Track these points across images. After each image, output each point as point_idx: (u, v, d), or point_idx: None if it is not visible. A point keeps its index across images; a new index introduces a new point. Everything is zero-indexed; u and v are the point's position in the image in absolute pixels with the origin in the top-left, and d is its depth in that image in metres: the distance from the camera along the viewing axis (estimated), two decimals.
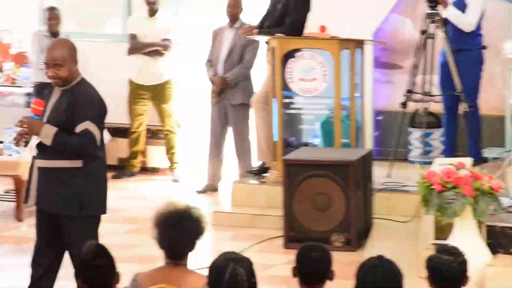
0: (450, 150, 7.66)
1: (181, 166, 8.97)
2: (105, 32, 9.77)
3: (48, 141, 4.58)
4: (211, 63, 8.37)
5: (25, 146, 4.70)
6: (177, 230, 3.64)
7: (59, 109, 4.66)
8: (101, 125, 4.70)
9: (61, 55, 4.67)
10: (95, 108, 4.69)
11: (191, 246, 3.69)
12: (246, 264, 3.25)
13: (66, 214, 4.64)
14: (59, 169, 4.63)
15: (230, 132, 8.38)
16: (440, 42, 7.49)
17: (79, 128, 4.59)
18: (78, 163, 4.63)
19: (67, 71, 4.67)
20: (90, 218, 4.71)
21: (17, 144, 4.70)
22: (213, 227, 6.01)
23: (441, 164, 5.64)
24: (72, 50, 4.75)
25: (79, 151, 4.62)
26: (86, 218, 4.67)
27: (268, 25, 7.79)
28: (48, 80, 9.78)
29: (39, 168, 4.70)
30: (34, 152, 4.71)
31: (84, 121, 4.59)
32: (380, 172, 7.45)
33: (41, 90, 8.75)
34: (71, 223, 4.64)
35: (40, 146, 4.66)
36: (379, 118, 8.56)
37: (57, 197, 4.63)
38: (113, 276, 3.43)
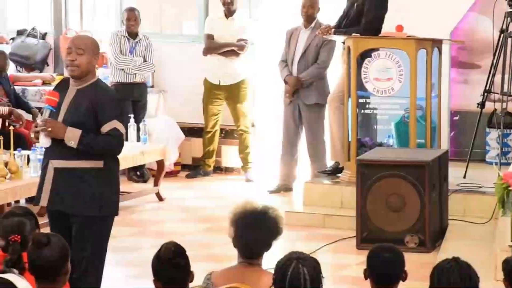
0: None
1: (254, 166, 9.00)
2: (182, 33, 9.87)
3: (74, 144, 4.49)
4: (285, 63, 8.38)
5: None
6: (254, 230, 3.65)
7: (77, 110, 4.56)
8: (123, 121, 4.65)
9: (86, 43, 4.63)
10: (118, 107, 4.68)
11: (267, 246, 3.70)
12: (310, 264, 3.24)
13: (85, 214, 4.57)
14: (78, 170, 4.55)
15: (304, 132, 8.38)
16: None
17: (106, 128, 4.53)
18: (100, 164, 4.57)
19: (87, 60, 4.58)
20: (108, 218, 4.70)
21: (35, 140, 4.61)
22: (285, 227, 6.01)
23: None
24: (96, 46, 4.72)
25: (108, 151, 4.58)
26: (104, 218, 4.66)
27: (345, 25, 7.76)
28: (128, 80, 9.93)
29: (56, 169, 4.59)
30: (47, 144, 4.57)
31: (110, 121, 4.53)
32: (456, 173, 7.36)
33: (119, 90, 8.96)
34: (89, 223, 4.58)
35: (55, 146, 4.57)
36: (456, 118, 8.45)
37: (76, 197, 4.55)
38: (188, 275, 3.46)
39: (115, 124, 4.54)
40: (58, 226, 4.60)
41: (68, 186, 4.55)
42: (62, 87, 4.69)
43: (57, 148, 4.57)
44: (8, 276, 2.98)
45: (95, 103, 4.54)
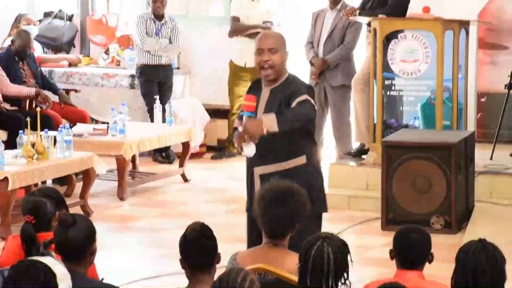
0: None
1: None
2: (209, 15, 9.86)
3: (275, 128, 4.23)
4: (311, 45, 8.35)
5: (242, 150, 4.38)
6: (277, 207, 3.65)
7: (271, 110, 4.34)
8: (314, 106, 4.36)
9: (276, 41, 4.41)
10: (310, 89, 4.43)
11: (290, 225, 3.69)
12: (336, 244, 3.24)
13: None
14: (283, 172, 4.33)
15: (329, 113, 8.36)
16: None
17: (296, 100, 4.29)
18: (302, 160, 4.39)
19: (281, 57, 4.39)
20: (318, 216, 4.46)
21: (240, 150, 4.38)
22: None
23: None
24: (285, 41, 4.50)
25: (302, 118, 4.31)
26: (314, 217, 4.34)
27: (371, 6, 7.72)
28: (154, 62, 9.93)
29: (261, 176, 4.40)
30: (252, 152, 4.34)
31: (301, 95, 4.30)
32: (482, 155, 7.32)
33: (144, 72, 8.98)
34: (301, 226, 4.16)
35: (257, 152, 4.34)
36: (483, 99, 8.40)
37: None
38: (215, 256, 3.47)
39: (305, 97, 4.30)
40: (254, 230, 4.30)
41: None
42: (255, 88, 4.50)
43: (259, 154, 4.35)
44: (45, 259, 2.98)
45: (288, 94, 4.35)
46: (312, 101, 4.35)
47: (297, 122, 4.32)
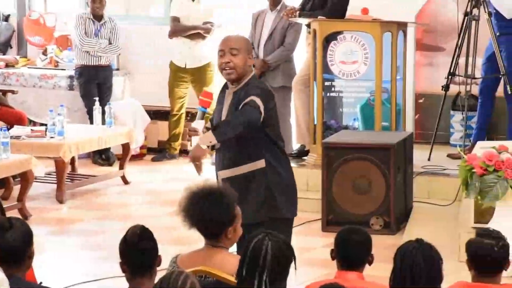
0: (484, 134, 7.58)
1: None
2: (149, 15, 9.81)
3: (214, 142, 4.22)
4: (251, 46, 8.36)
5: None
6: (204, 208, 3.60)
7: (234, 112, 4.33)
8: (267, 105, 4.27)
9: (238, 42, 4.40)
10: (261, 89, 4.33)
11: (222, 225, 3.61)
12: (279, 242, 3.22)
13: (253, 223, 4.17)
14: (242, 175, 4.33)
15: None
16: (483, 24, 7.40)
17: (242, 104, 4.24)
18: (261, 163, 4.33)
19: (243, 60, 4.35)
20: (284, 221, 4.41)
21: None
22: None
23: (483, 147, 5.59)
24: (249, 44, 4.52)
25: (240, 123, 4.21)
26: (278, 222, 4.35)
27: (311, 7, 7.76)
28: (93, 63, 9.86)
29: (223, 180, 4.36)
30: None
31: (248, 97, 4.23)
32: (420, 156, 7.41)
33: (84, 73, 8.89)
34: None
35: (218, 157, 4.38)
36: (420, 101, 8.50)
37: (244, 205, 4.07)
38: (156, 258, 3.45)
39: (250, 98, 4.22)
40: None
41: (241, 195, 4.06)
42: (221, 94, 4.48)
43: (221, 159, 4.39)
44: None
45: (243, 97, 4.28)
46: (258, 102, 4.24)
47: (236, 128, 4.23)
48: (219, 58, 4.41)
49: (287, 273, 3.25)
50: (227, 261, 3.59)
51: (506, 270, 3.60)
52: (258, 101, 4.25)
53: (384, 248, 4.82)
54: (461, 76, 7.56)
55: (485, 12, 7.34)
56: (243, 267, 3.22)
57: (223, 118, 4.40)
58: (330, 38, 7.46)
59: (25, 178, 7.03)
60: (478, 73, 7.63)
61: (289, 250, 3.27)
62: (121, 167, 8.34)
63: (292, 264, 3.28)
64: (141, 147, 9.21)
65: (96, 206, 7.58)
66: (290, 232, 4.44)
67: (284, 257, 3.24)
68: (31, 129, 7.83)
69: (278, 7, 8.26)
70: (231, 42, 4.42)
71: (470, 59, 7.43)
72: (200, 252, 3.68)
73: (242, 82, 4.39)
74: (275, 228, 3.76)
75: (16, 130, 7.74)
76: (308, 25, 7.77)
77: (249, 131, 4.28)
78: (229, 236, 3.64)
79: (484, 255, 3.53)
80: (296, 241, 6.24)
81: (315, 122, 7.56)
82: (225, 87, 4.53)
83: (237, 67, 4.36)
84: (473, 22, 7.41)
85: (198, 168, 4.31)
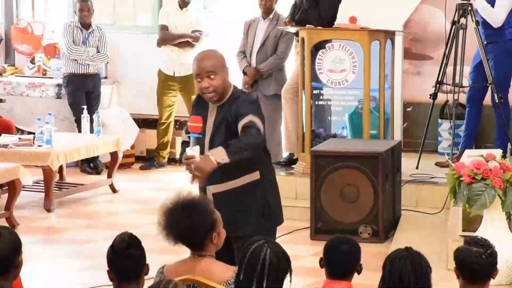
0: (472, 142, 7.61)
1: None
2: (137, 24, 9.81)
3: (226, 159, 4.11)
4: (243, 54, 8.38)
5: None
6: (183, 219, 3.59)
7: (219, 128, 4.28)
8: (263, 120, 4.24)
9: (213, 62, 4.29)
10: (254, 104, 4.29)
11: (203, 235, 3.61)
12: (278, 251, 3.26)
13: (244, 235, 4.14)
14: (234, 190, 4.28)
15: None
16: (471, 33, 7.44)
17: (241, 124, 4.18)
18: (256, 175, 4.30)
19: (221, 79, 4.28)
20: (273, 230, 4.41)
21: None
22: None
23: (470, 156, 5.60)
24: (224, 59, 4.39)
25: (251, 147, 4.16)
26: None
27: (300, 17, 7.77)
28: (81, 71, 9.85)
29: (214, 195, 4.28)
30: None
31: (245, 116, 4.17)
32: (408, 164, 7.43)
33: (72, 81, 8.87)
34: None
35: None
36: (408, 109, 8.53)
37: (236, 218, 4.22)
38: (143, 267, 3.44)
39: (250, 117, 4.17)
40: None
41: (227, 210, 4.10)
42: (201, 106, 4.37)
43: (211, 173, 4.19)
44: None
45: (234, 113, 4.23)
46: (258, 123, 4.20)
47: (247, 152, 4.17)
48: (197, 83, 4.32)
49: (283, 281, 3.26)
50: (214, 269, 3.59)
51: (494, 278, 3.60)
52: (258, 122, 4.20)
53: (372, 256, 4.83)
54: (449, 84, 7.58)
55: (473, 21, 7.38)
56: (241, 272, 3.23)
57: (208, 133, 4.31)
58: (318, 47, 7.48)
59: (12, 187, 7.01)
60: (466, 82, 7.66)
61: (287, 258, 3.29)
62: (109, 175, 8.32)
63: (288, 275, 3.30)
64: (129, 156, 9.19)
65: (84, 214, 7.56)
66: (275, 238, 4.42)
67: (282, 266, 3.26)
68: (19, 138, 7.81)
69: (271, 16, 8.28)
70: (206, 65, 4.28)
71: (458, 67, 7.46)
72: (187, 261, 3.68)
73: (225, 97, 4.33)
74: (266, 235, 3.73)
75: (4, 138, 7.71)
76: (297, 34, 7.78)
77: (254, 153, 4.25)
78: (214, 241, 3.65)
79: (472, 263, 3.53)
80: (285, 249, 6.24)
81: (304, 131, 7.57)
82: (201, 101, 4.41)
83: (217, 89, 4.28)
84: (461, 31, 7.44)
85: (198, 180, 4.20)
